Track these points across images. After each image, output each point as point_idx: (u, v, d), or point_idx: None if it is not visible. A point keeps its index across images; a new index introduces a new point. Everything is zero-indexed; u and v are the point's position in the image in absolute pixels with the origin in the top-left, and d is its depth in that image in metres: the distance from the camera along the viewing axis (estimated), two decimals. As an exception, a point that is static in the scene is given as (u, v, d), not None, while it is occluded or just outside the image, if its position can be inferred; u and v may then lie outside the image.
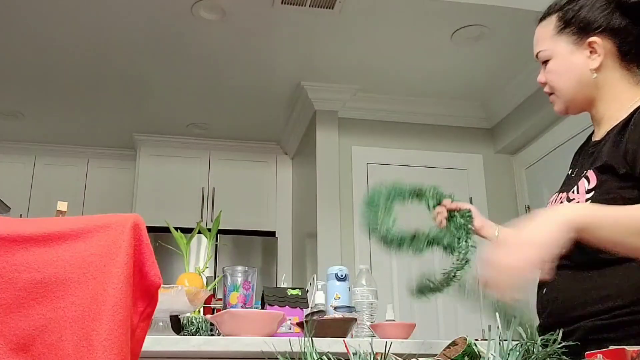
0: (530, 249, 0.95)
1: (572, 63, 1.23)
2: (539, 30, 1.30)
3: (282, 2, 3.14)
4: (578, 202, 1.17)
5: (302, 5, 3.18)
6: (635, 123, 1.14)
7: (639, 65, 1.24)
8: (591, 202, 1.15)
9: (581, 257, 1.11)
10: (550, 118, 3.79)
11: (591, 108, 1.27)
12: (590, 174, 1.18)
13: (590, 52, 1.21)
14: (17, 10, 3.21)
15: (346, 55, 3.70)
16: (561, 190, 1.30)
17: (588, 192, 1.17)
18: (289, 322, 1.82)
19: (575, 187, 1.21)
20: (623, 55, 1.22)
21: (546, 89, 1.30)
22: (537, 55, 1.29)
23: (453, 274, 1.29)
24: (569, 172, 1.34)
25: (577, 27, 1.22)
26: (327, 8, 3.20)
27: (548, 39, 1.26)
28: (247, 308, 1.78)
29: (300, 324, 1.75)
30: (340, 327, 1.65)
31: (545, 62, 1.27)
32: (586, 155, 1.28)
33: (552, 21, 1.26)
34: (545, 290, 1.23)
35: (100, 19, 3.30)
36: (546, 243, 0.95)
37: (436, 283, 1.29)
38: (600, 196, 1.13)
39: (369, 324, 1.92)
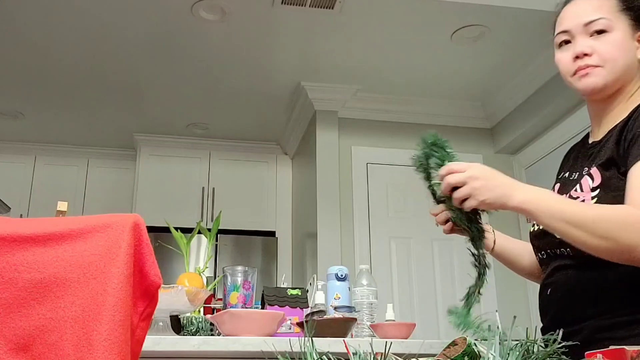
0: (475, 197, 1.14)
1: (625, 46, 1.22)
2: (594, 0, 1.25)
3: (282, 2, 3.14)
4: (583, 200, 1.17)
5: (302, 5, 3.18)
6: (633, 122, 1.15)
7: None
8: (597, 200, 1.14)
9: (586, 257, 1.11)
10: (550, 118, 3.79)
11: (611, 98, 1.25)
12: (594, 171, 1.17)
13: (638, 42, 1.22)
14: (17, 11, 3.21)
15: (346, 55, 3.70)
16: (559, 192, 1.29)
17: (593, 189, 1.16)
18: (289, 322, 1.82)
19: (577, 185, 1.20)
20: None
21: (592, 61, 1.21)
22: (590, 23, 1.22)
23: (478, 286, 1.19)
24: (565, 174, 1.32)
25: (636, 15, 1.23)
26: (327, 8, 3.20)
27: (612, 11, 1.23)
28: (247, 308, 1.78)
29: (300, 324, 1.75)
30: (340, 327, 1.65)
31: (597, 33, 1.22)
32: (584, 156, 1.28)
33: None
34: (549, 290, 1.23)
35: (100, 19, 3.30)
36: (487, 204, 1.15)
37: (467, 304, 1.21)
38: (607, 194, 1.13)
39: (369, 324, 1.92)
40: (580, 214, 1.06)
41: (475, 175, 1.13)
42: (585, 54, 1.22)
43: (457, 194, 1.14)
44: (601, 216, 1.05)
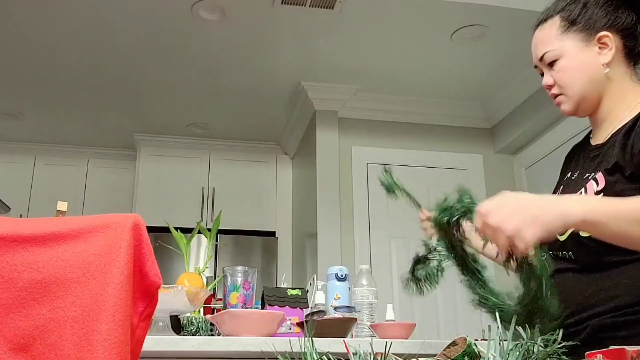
0: (530, 227, 0.94)
1: (583, 60, 1.22)
2: (541, 33, 1.29)
3: (282, 2, 3.14)
4: None
5: (302, 5, 3.17)
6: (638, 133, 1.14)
7: (636, 63, 1.24)
8: None
9: (587, 259, 1.11)
10: (550, 118, 3.79)
11: (597, 108, 1.26)
12: (599, 176, 1.18)
13: (600, 48, 1.22)
14: (17, 11, 3.21)
15: (346, 55, 3.70)
16: (562, 193, 1.29)
17: (597, 193, 1.16)
18: (289, 322, 1.82)
19: (582, 189, 1.21)
20: (628, 52, 1.23)
21: (554, 91, 1.26)
22: (542, 57, 1.27)
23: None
24: (568, 174, 1.33)
25: (585, 24, 1.22)
26: (327, 8, 3.20)
27: (554, 39, 1.25)
28: (247, 308, 1.78)
29: (300, 324, 1.75)
30: (340, 327, 1.65)
31: (552, 63, 1.25)
32: (587, 158, 1.28)
33: (555, 22, 1.25)
34: None
35: (100, 19, 3.30)
36: (547, 228, 0.95)
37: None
38: (609, 196, 1.13)
39: (369, 324, 1.92)
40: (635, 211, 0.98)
41: (488, 213, 0.97)
42: (550, 86, 1.27)
43: (497, 242, 0.97)
44: None
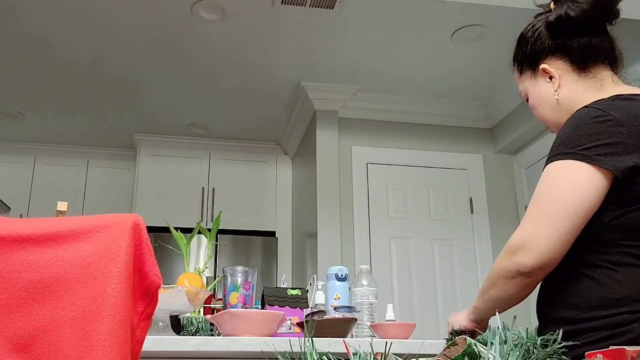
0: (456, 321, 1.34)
1: (540, 93, 1.30)
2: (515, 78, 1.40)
3: (282, 2, 3.14)
4: None
5: (302, 5, 3.18)
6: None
7: (598, 68, 1.25)
8: None
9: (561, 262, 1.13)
10: (550, 118, 3.79)
11: None
12: None
13: (550, 78, 1.27)
14: (17, 11, 3.21)
15: (346, 55, 3.70)
16: None
17: None
18: (289, 322, 1.82)
19: None
20: (579, 65, 1.24)
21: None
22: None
23: None
24: None
25: (529, 62, 1.31)
26: (327, 8, 3.20)
27: (519, 83, 1.36)
28: (247, 308, 1.78)
29: (300, 324, 1.75)
30: (340, 327, 1.65)
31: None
32: None
33: (515, 69, 1.36)
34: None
35: (100, 19, 3.30)
36: (458, 324, 1.32)
37: None
38: None
39: (369, 324, 1.92)
40: (484, 284, 1.21)
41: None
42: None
43: None
44: (488, 276, 1.20)
